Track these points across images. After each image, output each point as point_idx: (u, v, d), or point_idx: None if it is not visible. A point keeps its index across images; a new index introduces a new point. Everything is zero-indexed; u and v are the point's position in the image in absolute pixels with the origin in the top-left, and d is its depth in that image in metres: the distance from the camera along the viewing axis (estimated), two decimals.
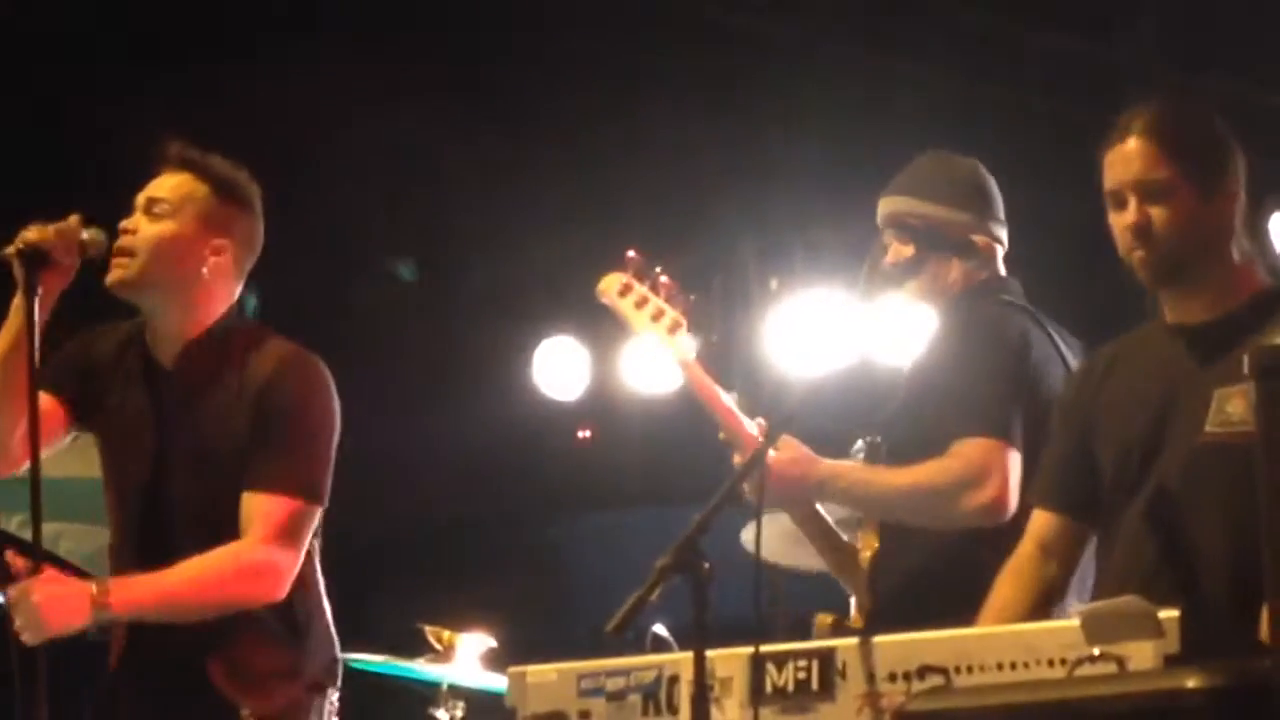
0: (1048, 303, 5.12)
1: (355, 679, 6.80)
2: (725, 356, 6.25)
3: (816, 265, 6.25)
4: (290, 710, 4.80)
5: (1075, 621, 3.75)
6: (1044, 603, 4.41)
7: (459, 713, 6.61)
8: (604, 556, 9.16)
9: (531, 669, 4.37)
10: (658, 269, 5.08)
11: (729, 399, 5.03)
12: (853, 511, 5.16)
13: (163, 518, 4.84)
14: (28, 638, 4.62)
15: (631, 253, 5.11)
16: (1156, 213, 4.25)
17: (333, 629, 4.95)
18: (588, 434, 9.48)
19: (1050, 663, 3.79)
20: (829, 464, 4.99)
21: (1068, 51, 7.86)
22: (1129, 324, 4.51)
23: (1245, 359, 3.24)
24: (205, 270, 4.85)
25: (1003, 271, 5.14)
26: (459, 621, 6.75)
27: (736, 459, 4.92)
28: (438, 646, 6.67)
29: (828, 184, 7.71)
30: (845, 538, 5.13)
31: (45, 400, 4.84)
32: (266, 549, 4.73)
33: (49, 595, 4.61)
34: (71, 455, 5.10)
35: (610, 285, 5.17)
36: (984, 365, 4.86)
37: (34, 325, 4.69)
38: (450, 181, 8.57)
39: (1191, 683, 3.24)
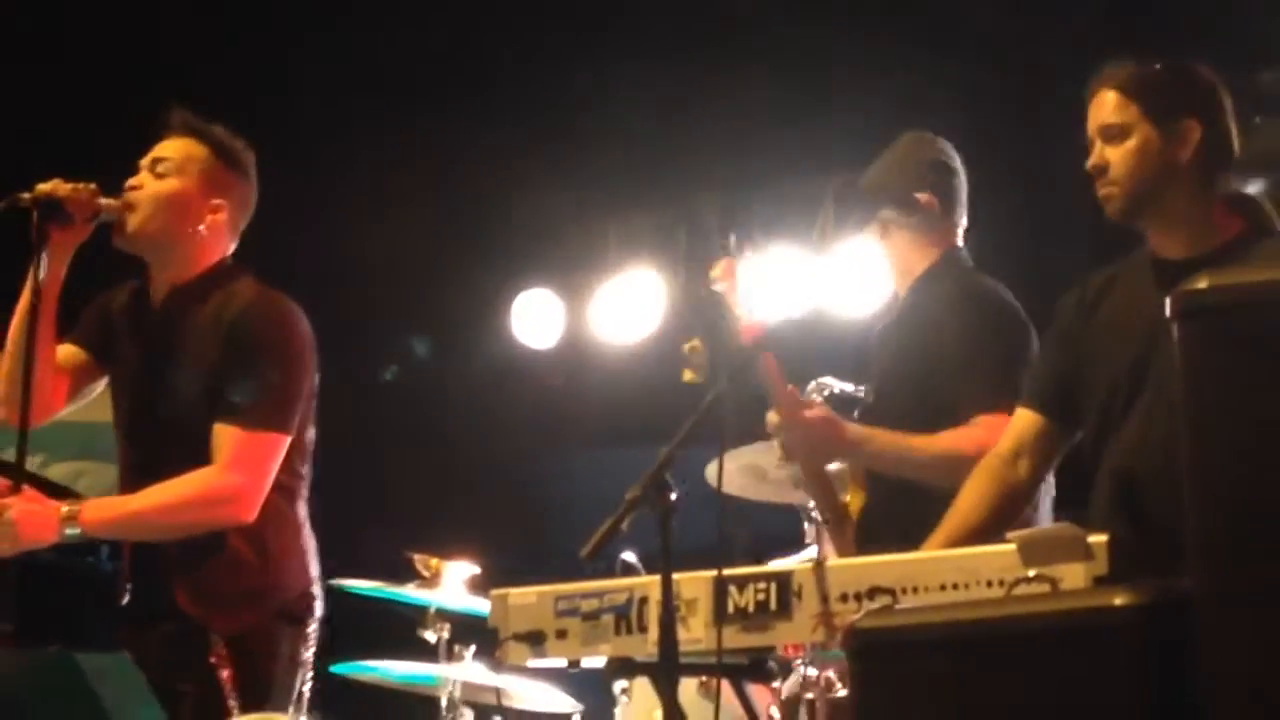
0: (996, 271, 5.10)
1: (350, 603, 6.80)
2: (689, 306, 6.23)
3: (772, 222, 6.23)
4: (257, 632, 4.78)
5: (1012, 546, 3.76)
6: (1007, 509, 4.38)
7: (445, 634, 6.60)
8: (577, 491, 9.14)
9: (513, 592, 4.37)
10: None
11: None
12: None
13: (150, 448, 4.86)
14: (2, 550, 4.68)
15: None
16: (1113, 153, 4.21)
17: (312, 564, 4.93)
18: (560, 379, 9.47)
19: (989, 583, 3.80)
20: (858, 427, 4.94)
21: (1011, 25, 7.83)
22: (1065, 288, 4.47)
23: (1168, 302, 3.21)
24: (203, 227, 4.89)
25: (960, 243, 5.09)
26: (445, 550, 6.74)
27: (772, 417, 4.84)
28: (425, 573, 6.66)
29: (782, 149, 7.70)
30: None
31: (77, 354, 4.96)
32: (230, 475, 4.73)
33: (23, 512, 4.67)
34: (93, 401, 5.11)
35: (723, 270, 5.05)
36: (998, 342, 4.83)
37: (39, 273, 4.74)
38: (433, 150, 8.54)
39: (1118, 600, 3.24)
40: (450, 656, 6.59)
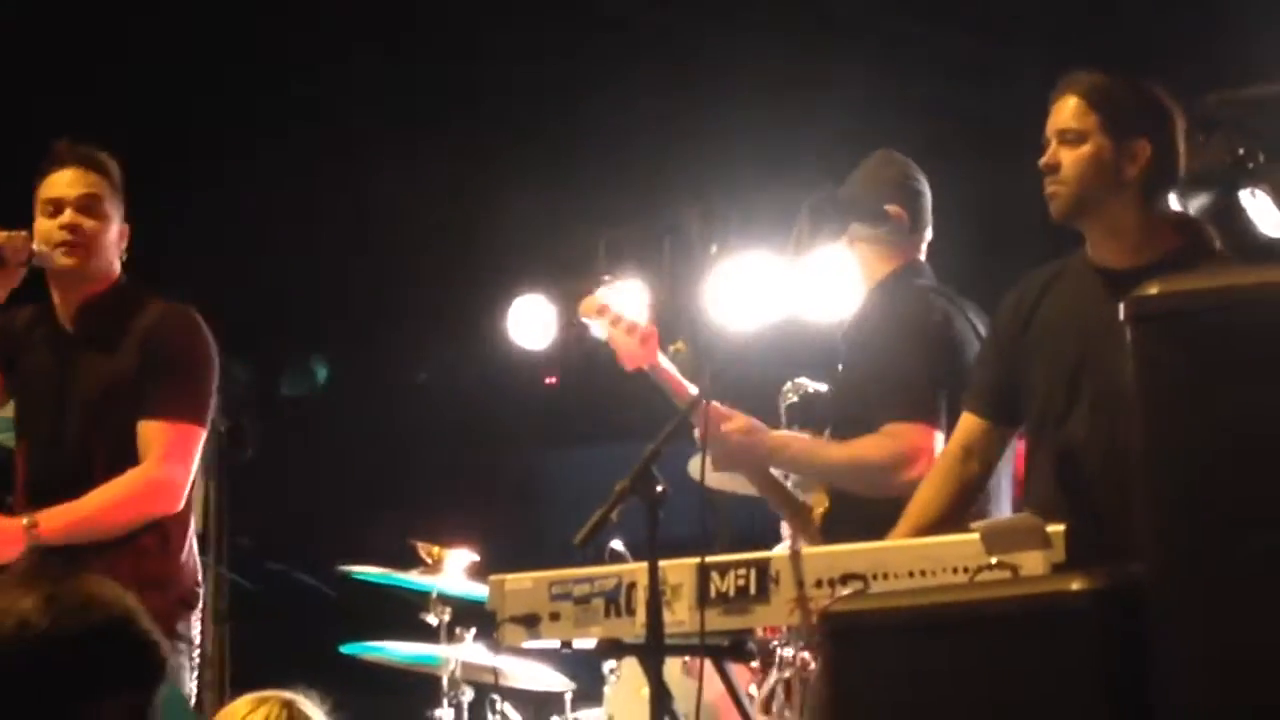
0: (953, 280, 5.10)
1: (358, 588, 6.82)
2: (673, 311, 6.23)
3: (750, 231, 6.24)
4: (161, 616, 4.69)
5: (975, 535, 3.77)
6: (961, 501, 4.39)
7: (446, 617, 6.61)
8: (568, 484, 9.15)
9: (509, 577, 4.38)
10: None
11: (689, 385, 4.96)
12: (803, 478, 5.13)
13: (65, 459, 4.86)
14: None
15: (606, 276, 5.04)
16: (1067, 155, 4.21)
17: (198, 558, 4.96)
18: (553, 379, 9.48)
19: (954, 570, 3.82)
20: (777, 434, 4.94)
21: (971, 48, 7.85)
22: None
23: (1121, 307, 3.23)
24: (121, 255, 4.95)
25: (922, 257, 5.09)
26: (446, 539, 6.75)
27: (698, 431, 4.83)
28: (428, 560, 6.67)
29: (760, 161, 7.71)
30: (800, 498, 5.10)
31: None
32: (164, 468, 4.78)
33: None
34: None
35: (588, 307, 5.11)
36: (912, 355, 4.77)
37: None
38: (433, 166, 8.55)
39: (1075, 585, 3.26)
40: (451, 638, 6.60)
